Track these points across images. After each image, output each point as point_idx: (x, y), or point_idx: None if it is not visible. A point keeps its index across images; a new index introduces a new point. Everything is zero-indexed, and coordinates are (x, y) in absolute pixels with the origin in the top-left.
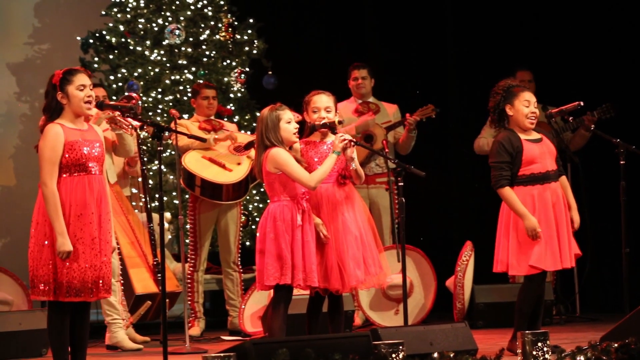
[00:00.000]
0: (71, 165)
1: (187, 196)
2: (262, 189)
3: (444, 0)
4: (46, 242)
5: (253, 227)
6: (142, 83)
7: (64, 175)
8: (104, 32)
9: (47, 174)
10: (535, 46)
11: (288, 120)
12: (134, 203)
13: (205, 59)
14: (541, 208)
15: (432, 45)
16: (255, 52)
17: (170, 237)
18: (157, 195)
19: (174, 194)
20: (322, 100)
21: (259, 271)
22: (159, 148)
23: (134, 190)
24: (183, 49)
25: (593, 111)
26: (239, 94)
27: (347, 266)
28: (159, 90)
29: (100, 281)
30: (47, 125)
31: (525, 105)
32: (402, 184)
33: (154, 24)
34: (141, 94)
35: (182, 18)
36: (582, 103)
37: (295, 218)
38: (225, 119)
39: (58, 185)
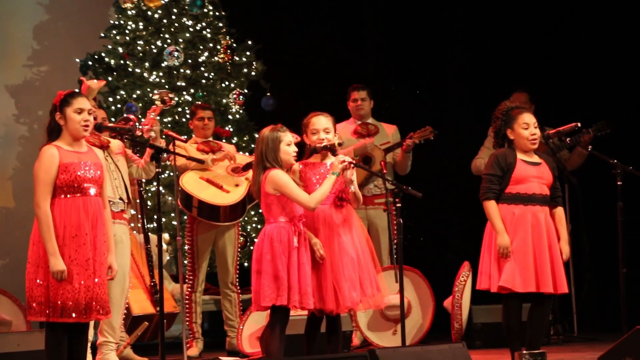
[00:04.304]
0: (65, 186)
1: (185, 217)
2: (260, 210)
3: (444, 22)
4: (41, 263)
5: (251, 248)
6: (140, 105)
7: (60, 197)
8: (103, 54)
9: (40, 195)
10: (533, 66)
11: (288, 143)
12: (132, 224)
13: (203, 81)
14: (519, 228)
15: (432, 66)
16: (253, 73)
17: (168, 258)
18: (155, 217)
19: (172, 215)
20: (321, 122)
21: (255, 292)
22: (157, 169)
23: (132, 212)
24: (182, 70)
25: (589, 128)
26: (237, 116)
27: (342, 287)
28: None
29: (94, 302)
30: (43, 147)
31: (524, 128)
32: (399, 205)
33: (152, 46)
34: (139, 116)
35: (180, 40)
36: (579, 124)
37: (292, 240)
38: (224, 141)
39: (53, 206)
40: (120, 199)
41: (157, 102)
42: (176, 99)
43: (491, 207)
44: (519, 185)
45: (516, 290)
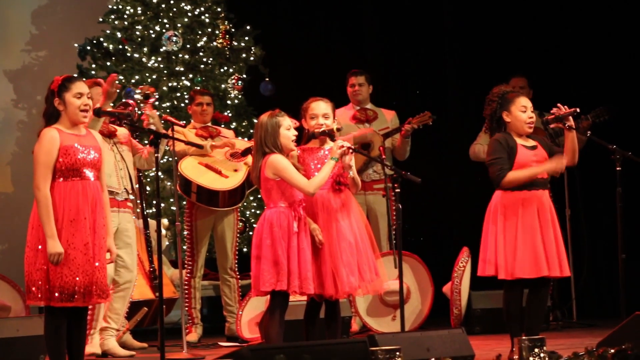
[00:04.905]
0: (65, 170)
1: (184, 202)
2: (259, 196)
3: (441, 7)
4: (40, 247)
5: (250, 233)
6: (153, 88)
7: (59, 180)
8: (102, 39)
9: (40, 177)
10: (531, 52)
11: (287, 127)
12: None
13: (202, 66)
14: (526, 214)
15: (430, 52)
16: (252, 58)
17: (167, 243)
18: (154, 202)
19: (171, 200)
20: (320, 107)
21: (255, 277)
22: (156, 155)
23: (131, 197)
24: (180, 55)
25: (587, 115)
26: (236, 101)
27: (341, 273)
28: (157, 96)
29: (94, 286)
30: (43, 129)
31: (522, 111)
32: (398, 190)
33: (151, 31)
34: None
35: (179, 25)
36: (578, 109)
37: (292, 225)
38: (223, 126)
39: (52, 189)
40: (125, 189)
41: (139, 97)
42: (156, 94)
43: (513, 175)
44: (522, 170)
45: (526, 277)
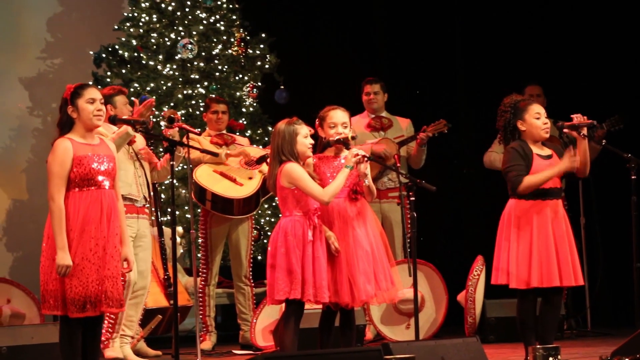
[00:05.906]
0: (79, 180)
1: (199, 210)
2: (274, 204)
3: (453, 15)
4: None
5: (265, 241)
6: (154, 97)
7: (75, 190)
8: (117, 47)
9: (54, 188)
10: (544, 60)
11: (305, 135)
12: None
13: (217, 74)
14: (539, 223)
15: (442, 60)
16: (267, 66)
17: (182, 251)
18: (169, 209)
19: (186, 208)
20: (339, 116)
21: (270, 285)
22: (171, 162)
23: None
24: (195, 63)
25: (602, 123)
26: (251, 109)
27: (358, 281)
28: (172, 104)
29: (102, 295)
30: (56, 140)
31: (537, 118)
32: (413, 198)
33: (166, 39)
34: (154, 109)
35: (194, 32)
36: (595, 122)
37: (307, 233)
38: (237, 133)
39: (67, 199)
40: (143, 195)
41: (164, 122)
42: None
43: (530, 180)
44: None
45: (544, 286)
